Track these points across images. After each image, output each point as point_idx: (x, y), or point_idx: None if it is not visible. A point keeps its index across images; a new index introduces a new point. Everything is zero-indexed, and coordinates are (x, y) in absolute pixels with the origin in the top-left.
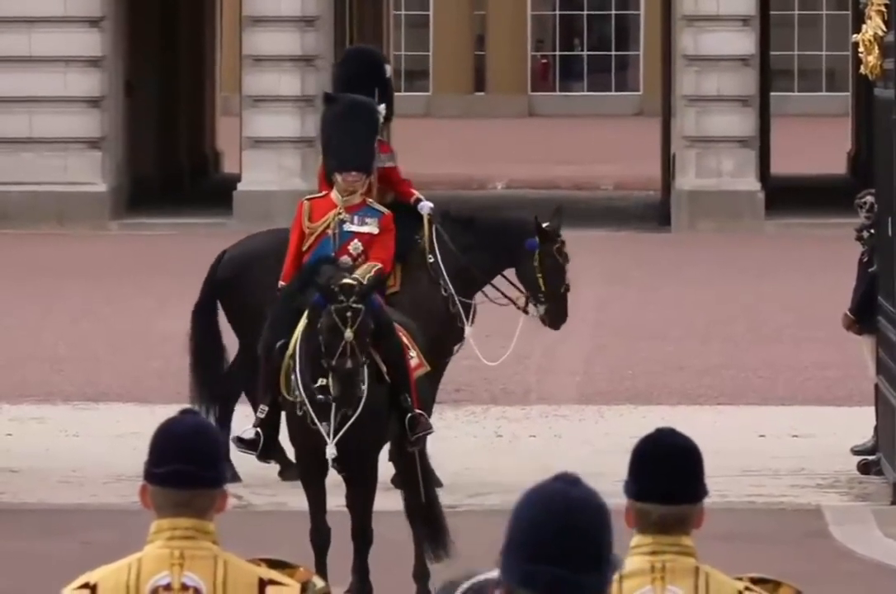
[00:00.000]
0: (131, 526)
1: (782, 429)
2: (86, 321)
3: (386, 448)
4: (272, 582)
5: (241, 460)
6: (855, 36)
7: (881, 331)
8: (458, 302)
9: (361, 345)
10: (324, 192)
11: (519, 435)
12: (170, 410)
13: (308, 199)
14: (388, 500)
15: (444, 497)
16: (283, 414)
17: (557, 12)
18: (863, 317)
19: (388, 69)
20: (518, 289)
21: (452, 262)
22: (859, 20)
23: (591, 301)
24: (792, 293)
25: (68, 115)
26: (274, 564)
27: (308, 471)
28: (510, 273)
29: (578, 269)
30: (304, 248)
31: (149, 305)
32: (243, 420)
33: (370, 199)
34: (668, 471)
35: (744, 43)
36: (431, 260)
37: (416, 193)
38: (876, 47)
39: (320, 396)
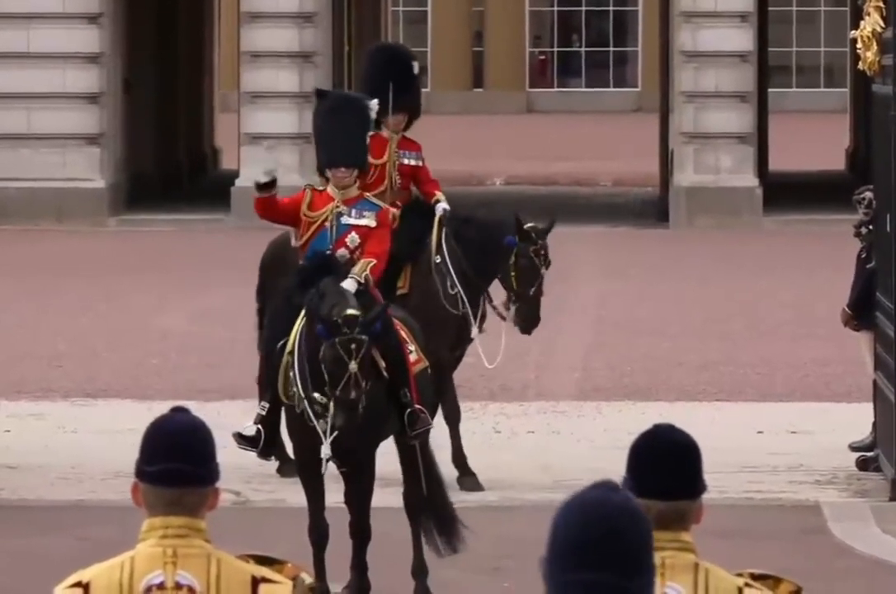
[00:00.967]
0: (130, 522)
1: (781, 425)
2: (84, 317)
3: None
4: (265, 579)
5: (240, 456)
6: (853, 32)
7: (879, 328)
8: (466, 302)
9: (365, 374)
10: (324, 187)
11: (517, 431)
12: (168, 407)
13: (311, 189)
14: (387, 497)
15: None
16: (283, 410)
17: (555, 8)
18: (861, 313)
19: (416, 66)
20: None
21: (458, 262)
22: (857, 16)
23: (589, 297)
24: (790, 289)
25: (67, 112)
26: (261, 560)
27: (306, 468)
28: None
29: (576, 265)
30: (303, 240)
31: (147, 302)
32: (243, 416)
33: (367, 193)
34: (666, 468)
35: (742, 39)
36: (438, 260)
37: (439, 194)
38: (874, 43)
39: (317, 395)
